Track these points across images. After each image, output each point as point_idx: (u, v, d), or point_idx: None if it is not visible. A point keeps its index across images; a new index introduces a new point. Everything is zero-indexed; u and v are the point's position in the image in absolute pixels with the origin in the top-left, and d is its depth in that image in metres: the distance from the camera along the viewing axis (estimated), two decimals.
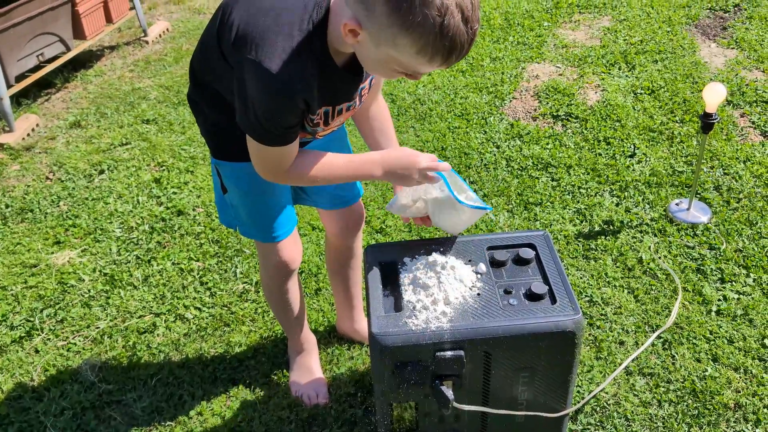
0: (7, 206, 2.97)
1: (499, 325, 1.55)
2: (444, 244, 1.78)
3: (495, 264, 1.72)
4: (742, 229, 2.55)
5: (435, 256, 1.71)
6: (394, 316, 1.58)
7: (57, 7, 3.70)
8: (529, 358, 1.59)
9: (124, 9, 4.34)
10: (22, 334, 2.32)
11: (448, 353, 1.55)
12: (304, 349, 2.05)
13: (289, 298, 1.89)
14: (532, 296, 1.62)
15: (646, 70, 3.62)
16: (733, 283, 2.33)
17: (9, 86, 3.51)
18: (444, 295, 1.61)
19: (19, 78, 3.63)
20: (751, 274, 2.36)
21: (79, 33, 3.96)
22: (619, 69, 3.68)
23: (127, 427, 1.97)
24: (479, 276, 1.68)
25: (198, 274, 2.52)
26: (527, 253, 1.73)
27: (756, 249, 2.45)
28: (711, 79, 3.51)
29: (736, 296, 2.28)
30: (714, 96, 2.37)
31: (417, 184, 1.58)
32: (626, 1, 4.44)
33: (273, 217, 1.73)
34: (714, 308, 2.24)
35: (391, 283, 1.70)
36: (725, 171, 2.86)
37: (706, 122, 2.41)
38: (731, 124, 3.14)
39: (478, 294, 1.63)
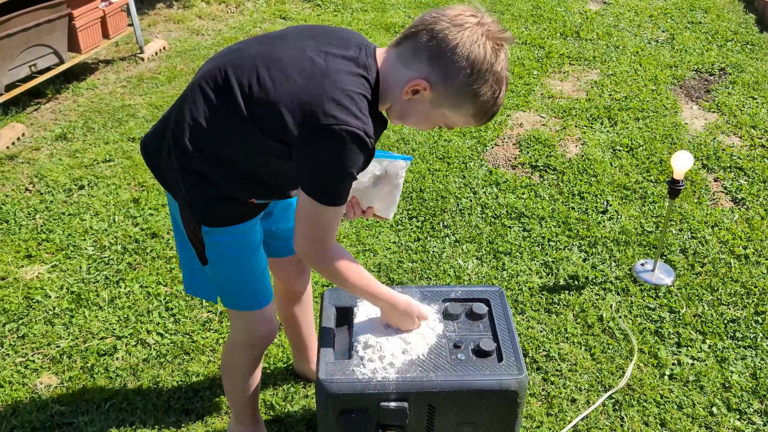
0: None
1: (444, 379, 1.58)
2: (404, 291, 1.80)
3: (448, 317, 1.76)
4: (703, 294, 2.59)
5: None
6: (343, 363, 1.61)
7: (54, 20, 3.76)
8: (472, 413, 1.62)
9: (122, 25, 4.40)
10: None
11: (392, 404, 1.57)
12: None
13: (255, 374, 1.83)
14: (480, 352, 1.65)
15: (627, 127, 3.70)
16: (689, 348, 2.37)
17: None
18: (394, 345, 1.64)
19: (9, 87, 3.67)
20: (707, 340, 2.40)
21: (74, 46, 4.02)
22: (602, 124, 3.75)
23: None
24: (431, 328, 1.71)
25: (164, 299, 2.54)
26: (480, 308, 1.77)
27: (714, 315, 2.49)
28: (689, 141, 3.58)
29: (691, 361, 2.32)
30: (681, 164, 2.43)
31: (403, 329, 1.67)
32: (616, 57, 4.53)
33: (259, 280, 1.69)
34: (668, 372, 2.27)
35: (345, 329, 1.73)
36: (693, 234, 2.91)
37: (674, 188, 2.47)
38: (704, 188, 3.20)
39: (428, 346, 1.66)
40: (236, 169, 1.47)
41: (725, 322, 2.47)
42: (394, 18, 5.15)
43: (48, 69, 3.90)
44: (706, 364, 2.31)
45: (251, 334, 1.74)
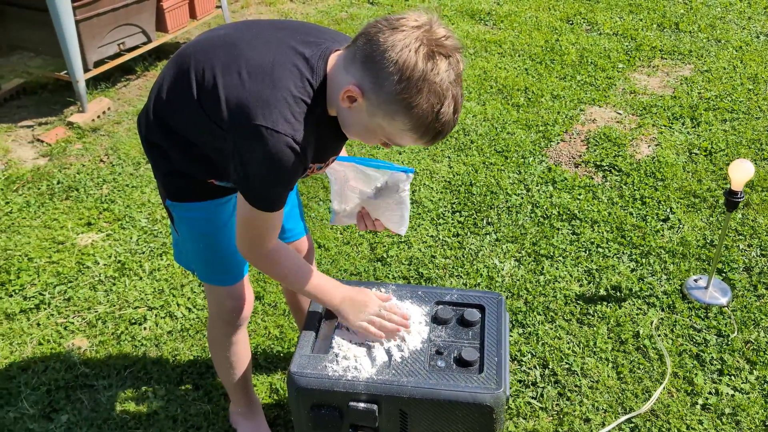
0: (58, 182, 3.21)
1: (415, 386, 1.53)
2: (398, 290, 1.76)
3: (437, 321, 1.69)
4: (762, 319, 2.35)
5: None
6: (318, 357, 1.59)
7: (142, 1, 3.95)
8: (446, 423, 1.56)
9: (210, 7, 4.55)
10: (32, 306, 2.50)
11: (361, 405, 1.54)
12: (251, 412, 1.98)
13: (238, 351, 1.84)
14: (461, 362, 1.58)
15: (710, 129, 3.40)
16: (733, 377, 2.16)
17: (87, 70, 3.78)
18: (373, 345, 1.61)
19: (98, 63, 3.91)
20: (755, 370, 2.18)
21: (162, 26, 4.21)
22: (682, 124, 3.47)
23: (90, 412, 2.10)
24: (417, 332, 1.66)
25: None
26: (473, 315, 1.69)
27: None
28: None
29: (731, 392, 2.11)
30: (741, 174, 2.20)
31: (363, 320, 1.60)
32: (715, 52, 4.17)
33: (227, 258, 1.69)
34: (701, 401, 2.09)
35: (332, 322, 1.71)
36: (763, 252, 2.64)
37: (731, 200, 2.25)
38: None
39: (409, 350, 1.61)
40: (190, 146, 1.49)
41: None
42: (482, 5, 5.01)
43: (136, 47, 4.12)
44: (748, 398, 2.10)
45: (221, 309, 1.76)
